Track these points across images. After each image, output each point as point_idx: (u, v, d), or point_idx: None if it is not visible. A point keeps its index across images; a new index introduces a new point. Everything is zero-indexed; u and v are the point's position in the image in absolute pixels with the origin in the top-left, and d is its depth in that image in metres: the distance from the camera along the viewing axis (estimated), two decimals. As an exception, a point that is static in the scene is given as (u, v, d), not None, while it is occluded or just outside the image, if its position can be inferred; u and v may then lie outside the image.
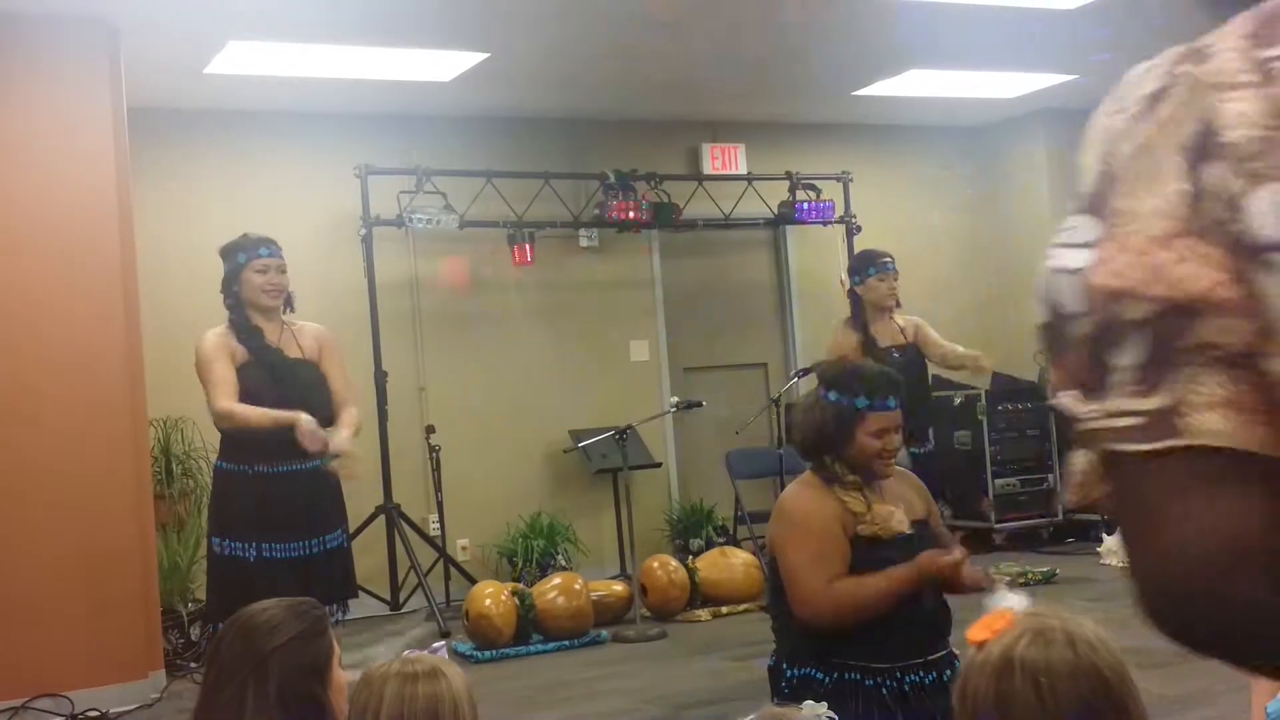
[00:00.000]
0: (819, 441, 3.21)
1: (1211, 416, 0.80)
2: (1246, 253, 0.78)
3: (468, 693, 2.11)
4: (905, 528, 3.17)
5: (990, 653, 1.67)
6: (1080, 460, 0.89)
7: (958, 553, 3.11)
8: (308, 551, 4.81)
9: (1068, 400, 0.86)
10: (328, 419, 5.00)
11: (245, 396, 4.78)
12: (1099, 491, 0.88)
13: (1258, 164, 0.77)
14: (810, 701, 1.97)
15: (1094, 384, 0.85)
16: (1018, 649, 1.64)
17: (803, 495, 3.25)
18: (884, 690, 3.09)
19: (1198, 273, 0.80)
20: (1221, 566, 0.80)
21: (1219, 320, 0.80)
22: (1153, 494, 0.82)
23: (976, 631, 1.69)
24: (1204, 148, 0.80)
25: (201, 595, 6.32)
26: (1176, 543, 0.81)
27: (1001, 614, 1.70)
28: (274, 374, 4.80)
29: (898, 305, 6.13)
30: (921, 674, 3.13)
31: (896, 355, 5.91)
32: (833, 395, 3.21)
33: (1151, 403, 0.81)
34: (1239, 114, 0.79)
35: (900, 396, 3.26)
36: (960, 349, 6.37)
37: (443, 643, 2.29)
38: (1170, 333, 0.81)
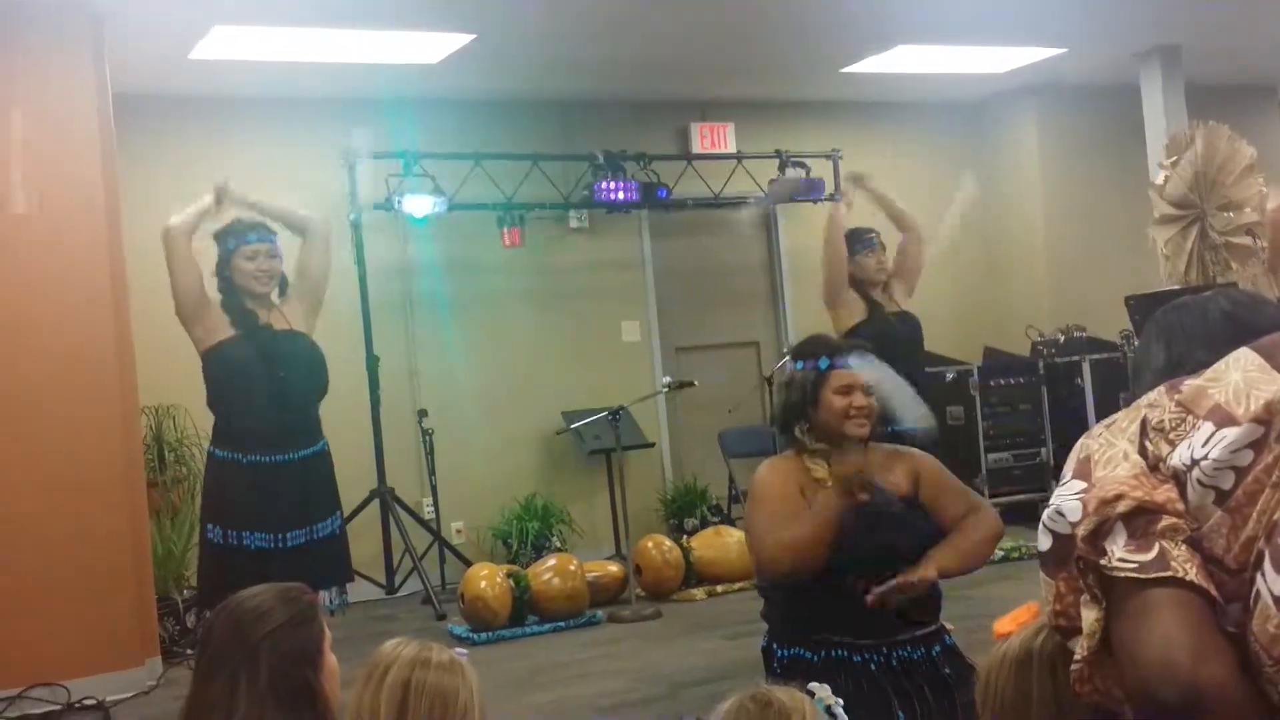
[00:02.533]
0: (790, 411, 3.30)
1: (1189, 566, 1.34)
2: (1177, 481, 1.39)
3: (480, 701, 2.08)
4: (864, 495, 3.14)
5: (1011, 646, 1.72)
6: (1092, 615, 1.40)
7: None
8: (303, 539, 4.81)
9: (1100, 560, 1.38)
10: (319, 387, 4.97)
11: (234, 370, 4.77)
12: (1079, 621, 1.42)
13: (1173, 434, 1.43)
14: (816, 684, 1.98)
15: (1094, 563, 1.39)
16: (1036, 642, 1.66)
17: (767, 468, 3.31)
18: (872, 665, 3.10)
19: (1162, 491, 1.39)
20: (1196, 652, 1.31)
21: (1176, 518, 1.37)
22: (1151, 606, 1.33)
23: (1004, 624, 1.74)
24: (1143, 430, 1.45)
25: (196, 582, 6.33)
26: (1165, 636, 1.31)
27: (1028, 606, 1.73)
28: (262, 349, 4.78)
29: (888, 280, 6.16)
30: (910, 649, 3.13)
31: (895, 323, 5.96)
32: (799, 364, 3.32)
33: (1148, 555, 1.35)
34: (1159, 414, 1.45)
35: (866, 360, 3.31)
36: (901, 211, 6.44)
37: (466, 651, 2.25)
38: (1148, 521, 1.37)
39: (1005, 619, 1.75)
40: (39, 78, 5.69)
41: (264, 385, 4.75)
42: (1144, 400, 1.49)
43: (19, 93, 5.65)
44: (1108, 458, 1.45)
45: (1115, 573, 1.36)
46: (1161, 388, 1.48)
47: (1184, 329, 1.69)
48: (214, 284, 4.95)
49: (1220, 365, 1.46)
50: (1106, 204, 9.19)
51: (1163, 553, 1.35)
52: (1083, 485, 1.43)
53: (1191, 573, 1.33)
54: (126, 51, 6.18)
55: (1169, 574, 1.34)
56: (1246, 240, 7.37)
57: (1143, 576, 1.34)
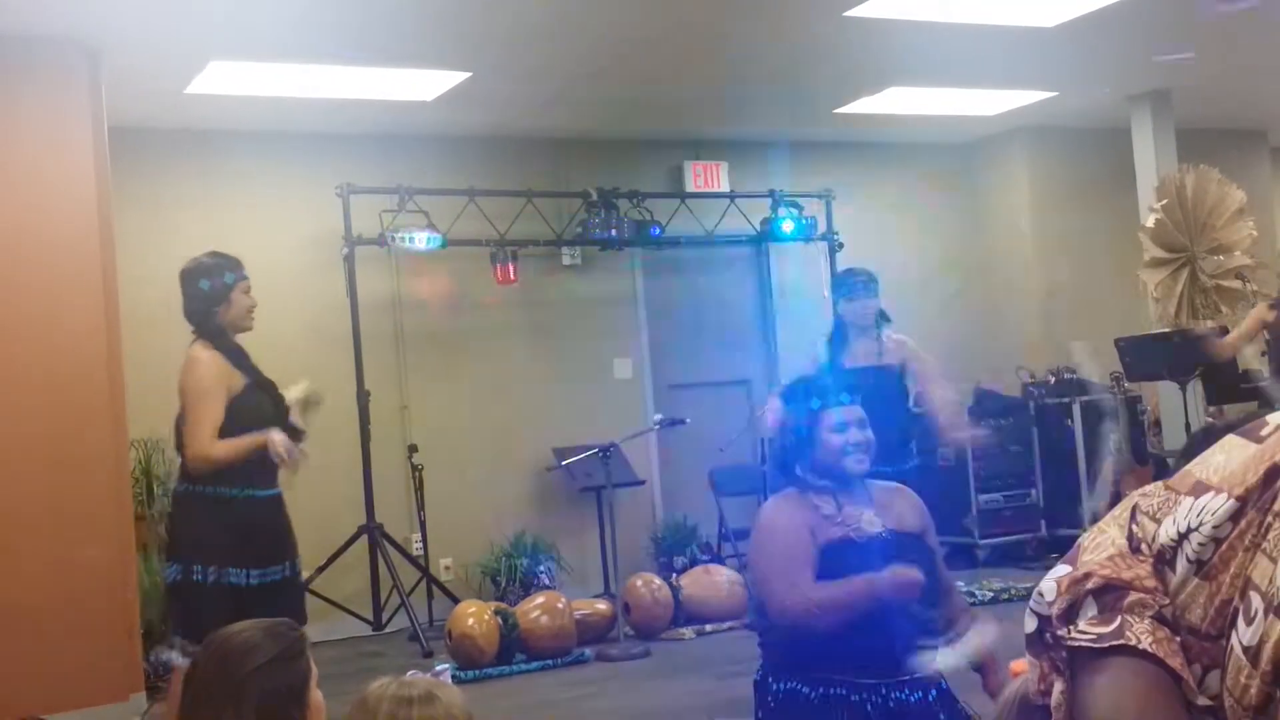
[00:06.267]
0: (788, 453, 3.35)
1: (1146, 637, 1.40)
2: (1158, 560, 1.45)
3: (465, 716, 2.09)
4: (876, 528, 3.21)
5: (1014, 686, 1.77)
6: (1058, 688, 1.47)
7: (915, 572, 3.12)
8: (281, 576, 4.69)
9: (1060, 632, 1.45)
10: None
11: (252, 422, 4.54)
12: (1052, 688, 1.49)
13: (1159, 514, 1.48)
14: None
15: (1065, 631, 1.46)
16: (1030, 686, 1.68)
17: (774, 506, 3.33)
18: (869, 706, 3.08)
19: (1133, 568, 1.46)
20: (1140, 716, 1.38)
21: (1144, 594, 1.43)
22: (1104, 672, 1.41)
23: (1019, 664, 1.78)
24: (1132, 516, 1.51)
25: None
26: (1113, 702, 1.40)
27: None
28: (271, 394, 4.67)
29: (886, 320, 6.14)
30: (908, 691, 3.12)
31: (870, 373, 5.89)
32: (791, 407, 3.39)
33: (1109, 627, 1.42)
34: (1150, 501, 1.51)
35: (855, 396, 3.38)
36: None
37: (446, 666, 2.26)
38: (1116, 597, 1.44)
39: (1021, 660, 1.77)
40: (35, 111, 5.70)
41: (276, 424, 4.60)
42: (1139, 490, 1.56)
43: (15, 125, 5.66)
44: (1096, 543, 1.52)
45: (1074, 643, 1.44)
46: (1162, 487, 1.56)
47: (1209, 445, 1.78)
48: (202, 317, 4.67)
49: (1209, 451, 1.54)
50: (1097, 246, 9.23)
51: (1123, 624, 1.42)
52: (1067, 569, 1.51)
53: (1146, 643, 1.40)
54: (123, 86, 6.20)
55: (1123, 642, 1.40)
56: (1236, 284, 7.41)
57: (1098, 646, 1.42)
